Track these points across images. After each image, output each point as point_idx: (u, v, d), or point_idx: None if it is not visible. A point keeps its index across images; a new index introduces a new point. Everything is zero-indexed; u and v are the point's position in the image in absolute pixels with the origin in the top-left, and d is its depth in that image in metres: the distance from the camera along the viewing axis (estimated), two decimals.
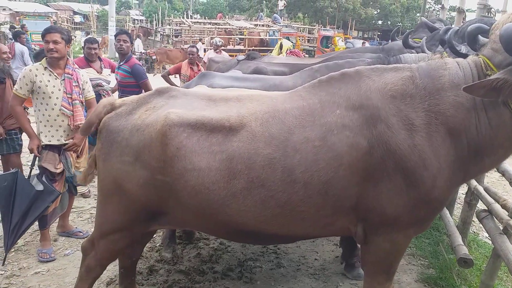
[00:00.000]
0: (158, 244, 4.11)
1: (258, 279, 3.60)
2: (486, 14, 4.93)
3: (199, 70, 7.19)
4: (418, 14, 11.40)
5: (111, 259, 2.77)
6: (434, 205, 2.18)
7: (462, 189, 4.67)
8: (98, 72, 5.23)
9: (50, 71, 3.63)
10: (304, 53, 22.35)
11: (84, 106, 3.97)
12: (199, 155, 2.17)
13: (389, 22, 38.54)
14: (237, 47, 21.98)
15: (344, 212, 2.22)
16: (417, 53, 4.28)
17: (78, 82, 3.79)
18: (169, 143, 2.19)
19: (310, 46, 28.88)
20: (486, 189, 3.76)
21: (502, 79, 1.88)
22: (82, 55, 5.37)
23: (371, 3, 39.42)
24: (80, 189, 4.87)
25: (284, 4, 33.73)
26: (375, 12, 39.33)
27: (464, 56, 2.39)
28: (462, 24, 4.86)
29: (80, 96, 3.81)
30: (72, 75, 3.74)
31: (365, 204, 2.16)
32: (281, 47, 19.07)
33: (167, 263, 3.78)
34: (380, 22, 41.03)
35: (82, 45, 5.80)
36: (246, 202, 2.16)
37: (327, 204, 2.15)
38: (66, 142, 3.75)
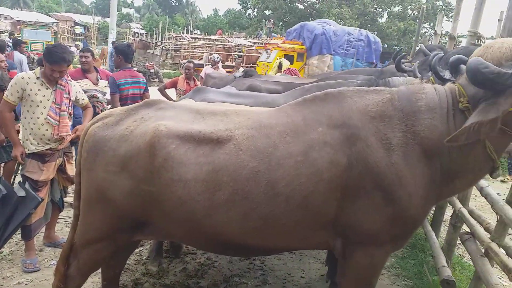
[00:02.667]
0: (144, 257, 4.10)
1: None
2: (476, 41, 5.07)
3: (195, 84, 7.26)
4: (414, 38, 11.67)
5: (93, 269, 2.77)
6: (410, 222, 2.24)
7: (449, 211, 4.72)
8: (94, 84, 5.27)
9: (42, 81, 3.67)
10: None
11: (72, 118, 4.02)
12: (186, 166, 2.21)
13: (385, 45, 39.13)
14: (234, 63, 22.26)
15: (324, 226, 2.28)
16: (410, 76, 4.40)
17: (69, 94, 3.83)
18: (157, 154, 2.23)
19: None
20: (470, 212, 3.80)
21: (477, 122, 1.95)
22: (80, 66, 5.43)
23: (369, 25, 40.05)
24: (69, 199, 4.86)
25: (272, 23, 34.47)
26: None
27: (447, 81, 2.47)
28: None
29: (70, 108, 3.84)
30: (64, 87, 3.79)
31: (343, 220, 2.21)
32: (280, 66, 19.35)
33: (152, 277, 3.77)
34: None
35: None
36: (229, 213, 2.20)
37: (307, 217, 2.21)
38: (53, 147, 3.75)
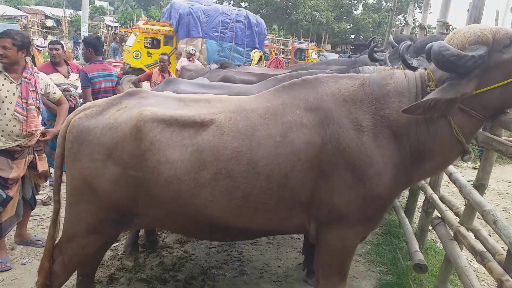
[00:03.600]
0: (120, 252, 4.04)
1: (220, 287, 3.60)
2: (445, 30, 5.18)
3: (169, 77, 7.17)
4: (393, 29, 11.75)
5: (78, 266, 2.73)
6: (380, 202, 2.34)
7: (422, 198, 4.84)
8: (65, 77, 5.13)
9: (6, 75, 3.53)
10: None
11: (41, 112, 3.88)
12: (172, 148, 2.29)
13: (361, 37, 39.63)
14: None
15: (301, 207, 2.37)
16: (381, 65, 4.46)
17: (36, 87, 3.68)
18: (143, 137, 2.28)
19: (284, 58, 29.26)
20: (441, 198, 3.91)
21: (434, 99, 2.03)
22: (50, 59, 5.27)
23: (344, 17, 40.47)
24: (41, 196, 4.75)
25: None
26: (348, 27, 40.39)
27: (414, 69, 2.53)
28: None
29: (37, 101, 3.70)
30: (29, 80, 3.64)
31: (318, 200, 2.32)
32: (260, 59, 19.17)
33: (128, 272, 3.72)
34: (352, 36, 42.14)
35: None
36: (213, 192, 2.29)
37: (286, 196, 2.31)
38: (21, 143, 3.64)
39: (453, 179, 3.17)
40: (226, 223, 2.43)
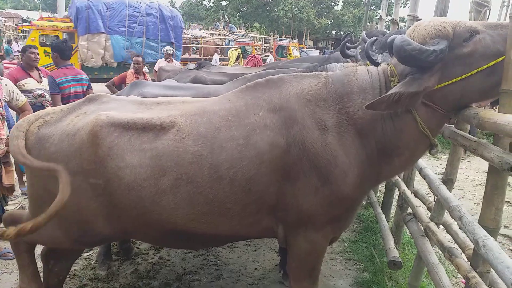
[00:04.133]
0: (93, 262, 3.94)
1: None
2: None
3: (145, 79, 7.04)
4: (368, 24, 11.69)
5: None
6: (347, 202, 2.30)
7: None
8: (38, 82, 5.03)
9: None
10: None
11: (6, 119, 3.75)
12: (131, 153, 2.23)
13: (342, 32, 39.82)
14: (192, 55, 21.82)
15: (267, 211, 2.32)
16: (353, 61, 4.42)
17: None
18: (100, 143, 2.22)
19: (266, 55, 29.26)
20: (415, 193, 3.91)
21: (397, 93, 2.00)
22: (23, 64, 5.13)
23: (325, 13, 40.64)
24: (12, 206, 4.59)
25: (223, 15, 33.99)
26: (329, 23, 40.61)
27: (378, 64, 2.49)
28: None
29: (1, 109, 3.58)
30: None
31: (284, 202, 2.27)
32: (238, 57, 18.99)
33: (101, 281, 3.62)
34: (333, 32, 42.35)
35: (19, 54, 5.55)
36: (175, 199, 2.23)
37: (251, 201, 2.25)
38: None
39: (423, 175, 3.16)
40: (192, 230, 2.36)
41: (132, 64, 7.29)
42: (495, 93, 2.11)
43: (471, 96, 2.16)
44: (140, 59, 7.20)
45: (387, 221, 4.43)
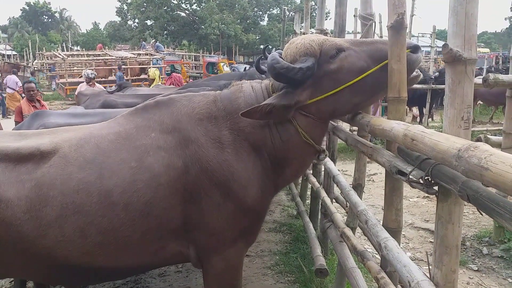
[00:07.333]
0: None
1: None
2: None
3: (42, 106, 6.64)
4: (286, 38, 12.24)
5: None
6: (252, 214, 2.32)
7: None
8: None
9: None
10: (191, 79, 22.47)
11: None
12: (5, 186, 2.08)
13: (270, 46, 40.97)
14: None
15: (172, 235, 2.25)
16: (267, 77, 4.49)
17: None
18: None
19: (197, 73, 29.21)
20: (336, 199, 4.02)
21: (269, 104, 2.10)
22: None
23: (252, 29, 41.58)
24: None
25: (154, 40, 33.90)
26: (256, 38, 41.57)
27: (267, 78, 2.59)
28: None
29: None
30: None
31: (190, 224, 2.23)
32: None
33: None
34: (261, 46, 43.42)
35: None
36: (63, 231, 2.09)
37: (152, 227, 2.16)
38: None
39: (336, 182, 3.25)
40: (87, 265, 2.20)
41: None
42: (367, 104, 2.38)
43: (345, 108, 2.35)
44: (32, 85, 6.77)
45: (315, 229, 4.50)
